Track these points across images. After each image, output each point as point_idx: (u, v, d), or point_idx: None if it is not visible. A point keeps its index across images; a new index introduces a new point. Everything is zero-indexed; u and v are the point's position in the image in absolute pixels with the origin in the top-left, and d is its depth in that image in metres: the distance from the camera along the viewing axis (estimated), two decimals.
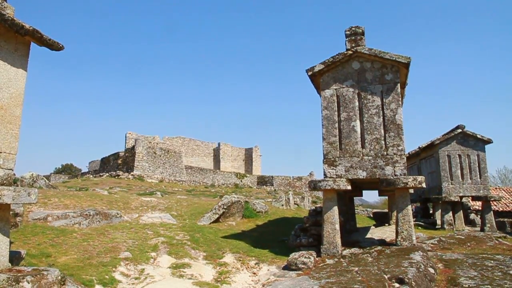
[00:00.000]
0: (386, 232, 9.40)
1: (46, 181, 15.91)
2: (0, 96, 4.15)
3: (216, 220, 11.03)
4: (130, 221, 9.85)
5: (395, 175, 6.64)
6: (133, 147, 32.13)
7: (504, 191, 24.72)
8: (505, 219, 15.43)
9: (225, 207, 11.33)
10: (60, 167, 55.17)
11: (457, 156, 13.02)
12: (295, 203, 18.81)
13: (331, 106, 7.26)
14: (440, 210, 13.68)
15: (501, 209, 21.74)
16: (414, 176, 6.45)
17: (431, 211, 16.99)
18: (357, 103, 7.16)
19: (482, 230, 12.56)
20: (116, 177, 28.47)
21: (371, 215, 20.55)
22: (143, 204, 12.39)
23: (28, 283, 3.67)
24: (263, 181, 42.71)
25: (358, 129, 7.06)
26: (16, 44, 4.35)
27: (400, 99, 6.94)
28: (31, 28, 4.23)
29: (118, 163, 33.06)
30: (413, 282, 4.36)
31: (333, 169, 7.03)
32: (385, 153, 6.79)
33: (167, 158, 33.98)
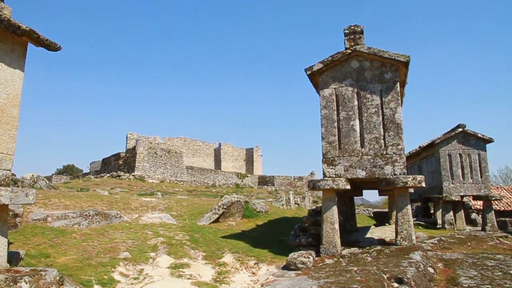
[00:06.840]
0: (386, 232, 9.38)
1: (47, 181, 15.93)
2: None
3: (216, 220, 11.02)
4: (130, 221, 9.84)
5: (395, 175, 6.61)
6: (134, 148, 32.15)
7: (506, 190, 24.60)
8: (507, 219, 15.38)
9: (225, 207, 11.32)
10: (62, 168, 55.27)
11: (458, 155, 12.97)
12: (295, 203, 18.80)
13: (330, 105, 7.24)
14: (441, 209, 13.63)
15: (502, 208, 21.63)
16: (413, 176, 6.41)
17: (432, 211, 16.94)
18: (356, 102, 7.14)
19: (483, 229, 12.51)
20: (117, 177, 28.49)
21: (372, 215, 20.51)
22: (143, 205, 12.39)
23: (26, 283, 3.66)
24: (264, 181, 42.69)
25: (357, 128, 7.04)
26: (13, 44, 4.35)
27: (399, 98, 6.91)
28: (27, 28, 4.23)
29: (119, 164, 33.09)
30: (412, 282, 4.34)
31: (332, 168, 7.00)
32: (384, 152, 6.77)
33: (168, 159, 33.98)
